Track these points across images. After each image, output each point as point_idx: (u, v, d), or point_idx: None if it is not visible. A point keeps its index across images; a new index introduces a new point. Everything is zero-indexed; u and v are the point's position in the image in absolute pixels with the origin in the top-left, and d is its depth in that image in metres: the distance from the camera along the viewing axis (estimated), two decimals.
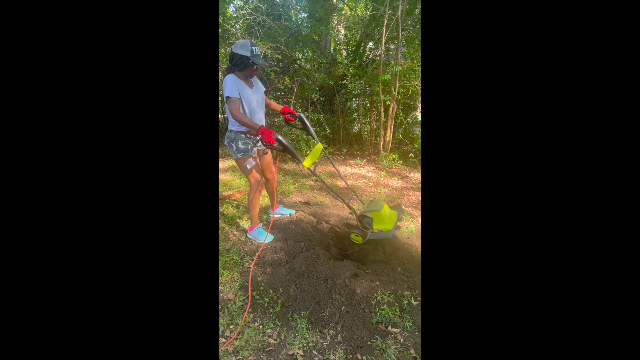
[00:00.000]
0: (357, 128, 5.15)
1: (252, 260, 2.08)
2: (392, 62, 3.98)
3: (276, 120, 4.59)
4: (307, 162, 1.91)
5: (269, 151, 2.27)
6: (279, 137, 1.80)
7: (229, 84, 1.90)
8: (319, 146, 2.03)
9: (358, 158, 4.37)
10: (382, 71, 3.87)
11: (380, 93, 3.99)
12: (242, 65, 1.93)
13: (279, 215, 2.64)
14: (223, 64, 4.61)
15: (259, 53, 1.95)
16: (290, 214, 2.67)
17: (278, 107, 2.27)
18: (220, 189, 3.38)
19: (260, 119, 2.15)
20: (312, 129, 2.13)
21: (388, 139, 4.14)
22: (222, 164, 4.43)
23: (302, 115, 2.11)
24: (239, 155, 2.09)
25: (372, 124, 4.57)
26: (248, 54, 1.90)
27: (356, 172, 3.90)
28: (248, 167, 2.06)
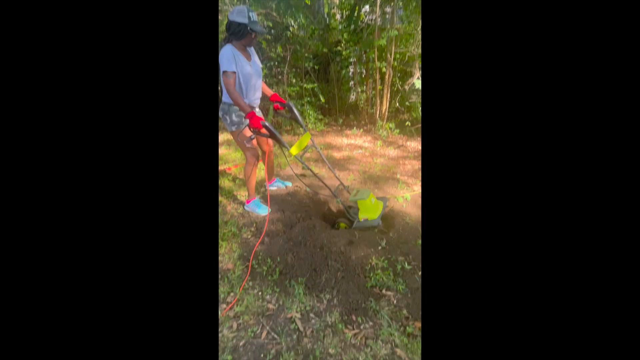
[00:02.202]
0: (353, 97, 5.05)
1: (250, 230, 2.12)
2: (388, 26, 3.82)
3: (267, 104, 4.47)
4: (294, 150, 1.90)
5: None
6: (266, 124, 1.79)
7: (226, 56, 1.83)
8: (307, 135, 2.01)
9: (354, 128, 4.32)
10: (377, 36, 3.72)
11: (376, 60, 3.87)
12: (240, 34, 1.85)
13: (276, 188, 2.66)
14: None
15: (256, 20, 1.86)
16: (286, 186, 2.69)
17: (269, 92, 2.20)
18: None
19: (257, 96, 2.10)
20: (300, 118, 2.10)
21: (384, 107, 4.08)
22: (218, 137, 4.38)
23: (291, 103, 2.06)
24: (233, 128, 2.07)
25: (368, 93, 4.48)
26: (245, 20, 1.81)
27: (352, 143, 3.88)
28: (246, 143, 2.04)
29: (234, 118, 2.04)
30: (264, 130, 1.81)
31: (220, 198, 2.57)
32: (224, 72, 1.83)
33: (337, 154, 3.51)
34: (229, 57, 1.82)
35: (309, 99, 4.45)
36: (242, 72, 1.91)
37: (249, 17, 1.81)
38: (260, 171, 2.92)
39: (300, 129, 4.26)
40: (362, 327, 1.37)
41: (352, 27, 4.29)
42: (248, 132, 1.98)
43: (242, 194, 2.62)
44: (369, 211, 1.95)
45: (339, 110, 4.77)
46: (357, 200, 1.95)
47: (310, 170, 2.03)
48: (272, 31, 4.35)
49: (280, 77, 4.43)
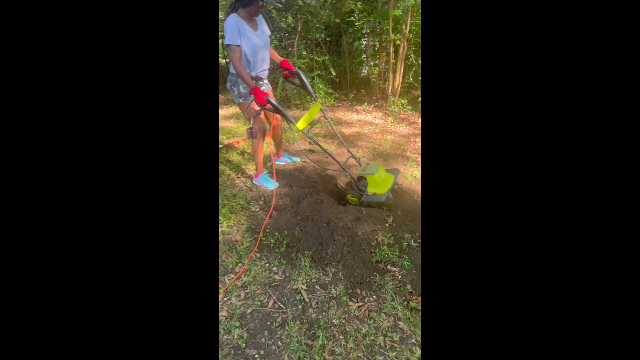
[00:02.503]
0: (365, 71, 4.89)
1: (258, 204, 2.14)
2: None
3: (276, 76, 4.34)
4: (300, 124, 1.84)
5: (270, 94, 2.21)
6: (271, 99, 1.77)
7: (230, 28, 1.76)
8: (317, 106, 1.94)
9: (365, 104, 4.22)
10: (393, 6, 3.53)
11: (390, 31, 3.70)
12: (246, 2, 1.78)
13: (284, 163, 2.65)
14: (222, 0, 4.27)
15: None
16: (294, 162, 2.68)
17: (278, 58, 2.13)
18: (224, 137, 3.37)
19: (264, 67, 2.04)
20: (309, 87, 2.02)
21: (397, 82, 3.94)
22: (226, 111, 4.35)
23: (299, 71, 1.99)
24: (241, 100, 2.04)
25: (381, 67, 4.32)
26: None
27: (363, 119, 3.80)
28: (251, 118, 2.01)
29: (242, 90, 2.01)
30: (269, 105, 1.78)
31: (229, 171, 2.59)
32: (227, 45, 1.77)
33: (346, 130, 3.45)
34: (232, 29, 1.76)
35: (319, 72, 4.33)
36: (248, 44, 1.85)
37: None
38: (268, 146, 2.91)
39: (310, 101, 4.18)
40: (366, 300, 1.40)
41: None
42: (256, 107, 1.96)
43: (250, 168, 2.62)
44: (378, 186, 1.92)
45: (350, 85, 4.64)
46: (366, 175, 1.93)
47: (318, 144, 1.98)
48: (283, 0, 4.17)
49: (290, 48, 4.30)
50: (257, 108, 1.92)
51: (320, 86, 4.30)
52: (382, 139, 3.18)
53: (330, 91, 4.46)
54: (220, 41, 4.79)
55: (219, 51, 5.88)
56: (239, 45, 1.79)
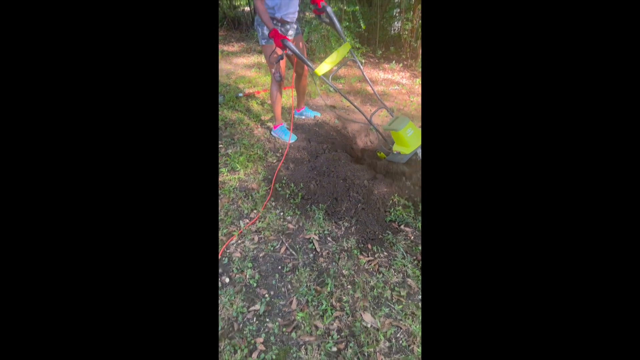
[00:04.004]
0: (397, 27, 4.55)
1: (275, 155, 2.13)
2: None
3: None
4: (320, 69, 1.69)
5: (297, 41, 2.09)
6: (287, 43, 1.68)
7: None
8: (346, 46, 1.75)
9: (393, 62, 3.99)
10: None
11: None
12: None
13: (304, 117, 2.58)
14: None
15: None
16: (315, 117, 2.61)
17: None
18: (245, 86, 3.29)
19: (290, 10, 1.91)
20: (338, 25, 1.81)
21: None
22: (247, 59, 4.21)
23: (327, 7, 1.79)
24: (263, 42, 1.96)
25: (415, 22, 4.00)
26: None
27: (389, 78, 3.61)
28: (273, 62, 1.91)
29: (265, 32, 1.91)
30: (286, 50, 1.71)
31: (248, 121, 2.56)
32: None
33: (370, 89, 3.30)
34: None
35: (347, 23, 4.05)
36: None
37: None
38: (289, 98, 2.83)
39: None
40: (376, 255, 1.42)
41: None
42: (279, 51, 1.86)
43: (269, 119, 2.58)
44: (404, 143, 1.78)
45: (379, 41, 4.36)
46: (391, 131, 1.80)
47: (340, 92, 1.85)
48: None
49: None
50: (280, 52, 1.83)
51: (348, 39, 4.05)
52: (408, 100, 3.03)
53: (357, 45, 4.21)
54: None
55: None
56: None
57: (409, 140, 1.76)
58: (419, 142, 1.77)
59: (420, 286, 1.28)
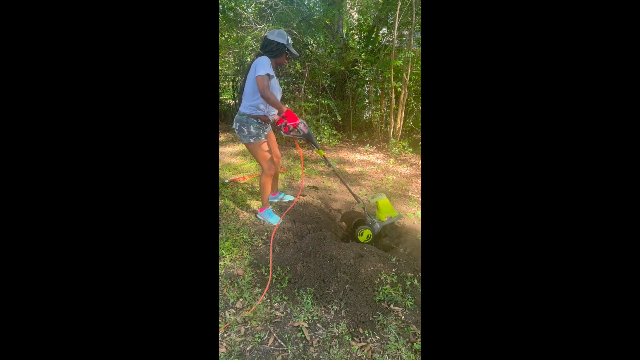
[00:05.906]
0: (367, 115, 5.13)
1: (261, 239, 2.15)
2: (405, 47, 3.92)
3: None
4: (322, 151, 2.13)
5: (271, 135, 2.36)
6: (303, 122, 1.99)
7: (265, 63, 1.96)
8: (320, 152, 2.18)
9: (367, 145, 4.38)
10: (394, 57, 3.82)
11: (392, 79, 3.95)
12: (277, 52, 2.03)
13: (277, 200, 2.68)
14: (235, 48, 4.62)
15: (292, 43, 2.06)
16: (289, 200, 2.71)
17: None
18: (231, 172, 3.46)
19: (275, 112, 2.20)
20: (314, 139, 2.17)
21: (398, 126, 4.13)
22: (233, 148, 4.50)
23: (307, 130, 2.15)
24: (251, 140, 2.13)
25: (383, 111, 4.55)
26: (284, 42, 2.01)
27: (365, 159, 3.92)
28: (264, 152, 2.13)
29: (252, 130, 2.11)
30: (298, 131, 2.01)
31: (233, 206, 2.63)
32: (260, 75, 1.92)
33: (349, 169, 3.55)
34: (267, 63, 1.96)
35: (324, 114, 4.54)
36: (271, 84, 2.02)
37: (287, 40, 2.03)
38: (291, 170, 2.97)
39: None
40: (368, 340, 1.36)
41: (370, 47, 4.42)
42: (265, 147, 2.13)
43: (254, 203, 2.67)
44: (390, 209, 2.09)
45: (353, 127, 4.85)
46: (378, 201, 2.08)
47: (333, 167, 2.21)
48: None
49: (297, 92, 4.56)
50: (267, 149, 2.03)
51: (325, 128, 4.49)
52: (384, 178, 3.25)
53: (334, 132, 4.64)
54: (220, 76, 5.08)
55: (229, 92, 6.20)
56: (272, 76, 1.98)
57: (391, 205, 2.13)
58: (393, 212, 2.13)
59: None
